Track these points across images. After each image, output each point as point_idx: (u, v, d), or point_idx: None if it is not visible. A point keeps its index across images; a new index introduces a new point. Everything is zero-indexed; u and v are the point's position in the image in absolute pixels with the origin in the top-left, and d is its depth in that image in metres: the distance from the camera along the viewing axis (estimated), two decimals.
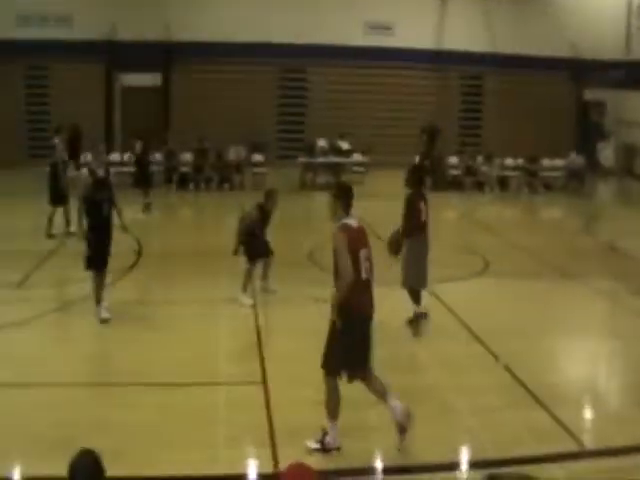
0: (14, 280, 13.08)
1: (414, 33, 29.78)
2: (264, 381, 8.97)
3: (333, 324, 7.29)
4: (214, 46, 28.29)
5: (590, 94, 31.03)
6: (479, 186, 25.85)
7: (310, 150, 25.88)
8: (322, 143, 26.26)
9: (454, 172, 26.49)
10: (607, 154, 28.08)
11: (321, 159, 25.73)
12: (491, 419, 8.18)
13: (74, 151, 18.75)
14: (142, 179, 20.86)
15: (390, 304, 11.41)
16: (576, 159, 26.75)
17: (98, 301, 11.27)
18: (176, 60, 28.74)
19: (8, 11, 27.61)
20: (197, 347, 10.25)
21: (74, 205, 12.79)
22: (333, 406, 7.36)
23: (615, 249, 16.82)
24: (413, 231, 11.03)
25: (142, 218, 19.76)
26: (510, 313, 12.08)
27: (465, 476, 7.17)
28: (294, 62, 29.68)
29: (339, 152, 26.13)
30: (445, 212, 23.07)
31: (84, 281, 11.65)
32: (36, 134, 27.76)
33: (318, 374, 7.47)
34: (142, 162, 21.32)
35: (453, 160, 26.81)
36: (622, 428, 7.97)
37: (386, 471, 7.19)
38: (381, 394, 7.50)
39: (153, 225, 20.13)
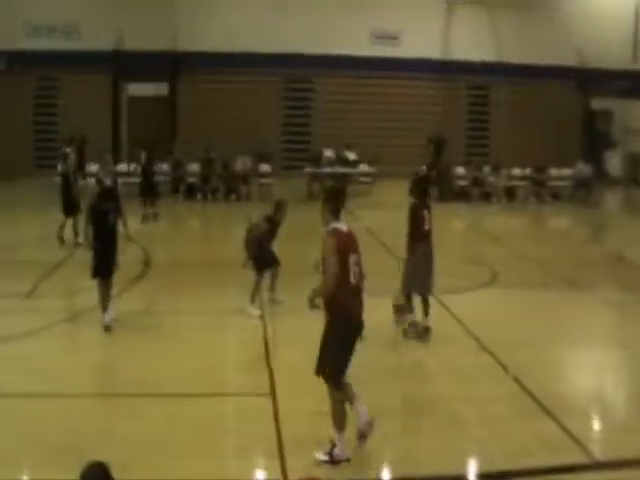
0: (23, 290, 13.12)
1: (420, 43, 29.86)
2: (272, 392, 8.95)
3: (327, 329, 7.30)
4: (220, 56, 28.41)
5: (597, 103, 31.05)
6: (486, 197, 25.84)
7: (316, 160, 25.93)
8: (329, 153, 26.31)
9: (461, 183, 26.49)
10: (614, 163, 28.17)
11: (328, 169, 25.75)
12: (499, 429, 8.14)
13: (80, 161, 18.86)
14: (147, 189, 20.90)
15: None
16: (583, 168, 26.72)
17: (104, 309, 11.33)
18: (182, 70, 28.86)
19: (16, 22, 27.77)
20: (205, 358, 10.24)
21: (83, 216, 12.84)
22: (340, 418, 7.33)
23: (622, 258, 16.79)
24: (417, 239, 11.11)
25: (149, 228, 19.83)
26: (518, 323, 12.05)
27: None
28: (300, 72, 29.77)
29: (346, 162, 26.16)
30: (452, 223, 23.08)
31: (92, 291, 11.66)
32: (43, 144, 27.92)
33: (326, 385, 7.47)
34: (147, 172, 21.37)
35: (460, 171, 26.81)
36: (630, 438, 7.93)
37: None
38: (339, 422, 7.38)
39: (161, 235, 20.19)
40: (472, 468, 7.38)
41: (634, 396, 9.53)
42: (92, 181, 12.23)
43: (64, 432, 7.83)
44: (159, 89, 29.04)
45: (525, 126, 29.36)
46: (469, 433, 8.14)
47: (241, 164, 25.33)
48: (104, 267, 11.35)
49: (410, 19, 29.80)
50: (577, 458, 7.48)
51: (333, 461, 7.26)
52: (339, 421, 7.34)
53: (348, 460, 7.29)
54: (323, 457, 7.29)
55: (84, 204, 12.98)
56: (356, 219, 22.26)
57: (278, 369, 9.72)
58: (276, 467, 7.23)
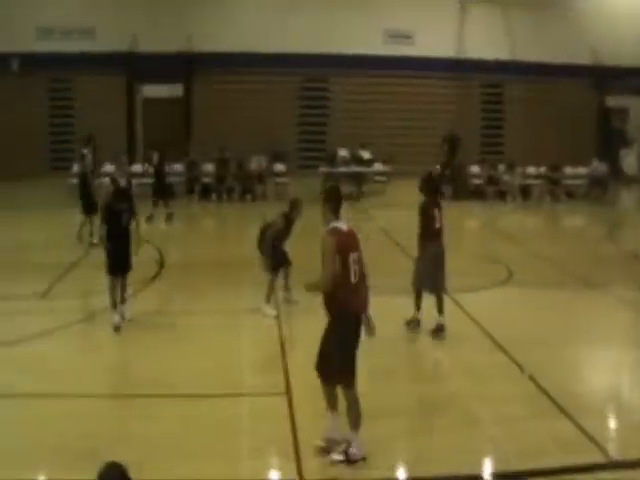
0: (38, 291, 13.18)
1: (434, 42, 29.80)
2: (288, 392, 8.95)
3: (328, 328, 7.35)
4: (235, 57, 28.44)
5: (612, 101, 30.90)
6: (501, 195, 25.74)
7: (331, 160, 25.91)
8: (343, 153, 26.29)
9: (476, 181, 26.43)
10: (630, 161, 28.02)
11: (342, 169, 25.75)
12: (515, 429, 8.11)
13: (94, 161, 18.93)
14: (159, 190, 20.93)
15: (410, 313, 11.44)
16: (599, 167, 26.58)
17: (114, 306, 11.45)
18: (197, 71, 28.90)
19: (31, 25, 27.89)
20: (220, 358, 10.26)
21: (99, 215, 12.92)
22: (355, 416, 7.33)
23: (638, 257, 16.70)
24: (427, 237, 11.18)
25: (165, 229, 19.91)
26: (533, 322, 12.00)
27: None
28: (315, 72, 29.76)
29: (360, 162, 26.13)
30: (467, 221, 23.04)
31: (107, 292, 11.72)
32: (58, 146, 28.06)
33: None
34: (159, 173, 21.39)
35: (475, 169, 26.74)
36: None
37: None
38: (354, 419, 7.38)
39: (175, 235, 20.24)
40: (487, 467, 7.35)
41: None
42: (106, 180, 12.30)
43: (80, 433, 7.85)
44: (174, 90, 29.10)
45: (540, 124, 29.27)
46: (484, 432, 8.12)
47: (256, 164, 25.34)
48: (118, 266, 11.48)
49: (424, 18, 29.76)
50: (593, 457, 7.45)
51: (349, 460, 7.26)
52: (354, 420, 7.34)
53: (364, 459, 7.29)
54: (338, 457, 7.29)
55: (99, 203, 13.05)
56: (370, 218, 22.34)
57: (293, 369, 9.71)
58: (292, 468, 7.24)
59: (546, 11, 30.10)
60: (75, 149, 23.60)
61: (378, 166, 26.50)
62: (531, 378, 9.48)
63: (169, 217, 20.47)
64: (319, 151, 28.37)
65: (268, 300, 12.14)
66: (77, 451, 7.39)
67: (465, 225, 22.60)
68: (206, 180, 25.19)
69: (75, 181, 20.80)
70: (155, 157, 21.86)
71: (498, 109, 31.39)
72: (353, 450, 7.28)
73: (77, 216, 17.75)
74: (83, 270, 14.84)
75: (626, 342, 11.55)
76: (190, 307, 12.97)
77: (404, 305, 11.54)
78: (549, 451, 7.57)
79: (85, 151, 17.73)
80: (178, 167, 25.01)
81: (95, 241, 15.54)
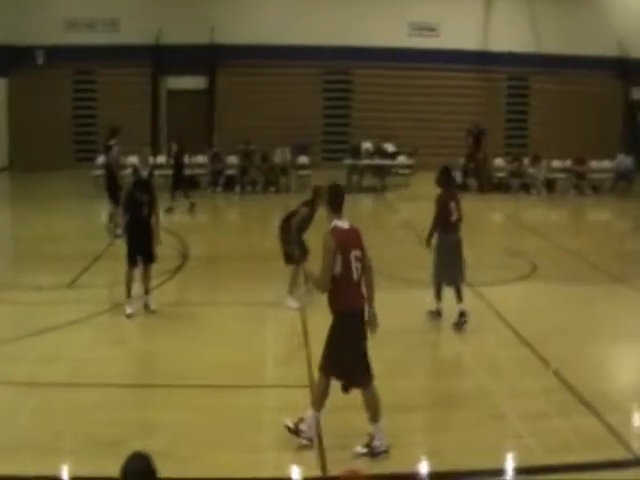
0: (64, 281, 13.29)
1: (459, 34, 29.64)
2: (311, 384, 8.94)
3: (332, 327, 7.45)
4: (259, 49, 28.42)
5: (638, 93, 30.60)
6: (526, 188, 25.59)
7: (355, 152, 25.86)
8: (367, 145, 26.22)
9: (500, 174, 26.30)
10: None
11: (366, 161, 25.70)
12: (540, 424, 8.06)
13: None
14: (178, 181, 20.96)
15: (433, 305, 11.43)
16: (624, 160, 26.30)
17: (128, 295, 11.58)
18: (221, 63, 28.92)
19: (56, 17, 28.03)
20: (244, 350, 10.28)
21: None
22: (374, 409, 7.36)
23: None
24: (443, 230, 11.25)
25: (188, 220, 19.97)
26: (558, 317, 11.94)
27: None
28: (339, 64, 29.69)
29: (384, 154, 26.05)
30: (492, 214, 22.94)
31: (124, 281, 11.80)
32: (83, 138, 28.20)
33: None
34: (178, 164, 21.43)
35: (499, 162, 26.61)
36: None
37: (433, 477, 7.14)
38: (373, 412, 7.38)
39: (199, 227, 20.29)
40: (511, 462, 7.32)
41: None
42: (129, 171, 12.38)
43: (107, 422, 7.93)
44: (198, 82, 29.16)
45: (565, 117, 29.06)
46: (508, 427, 8.09)
47: (280, 156, 25.31)
48: (137, 256, 11.61)
49: (449, 10, 29.60)
50: (618, 454, 7.41)
51: (373, 453, 7.27)
52: (374, 413, 7.35)
53: (386, 451, 7.28)
54: (362, 450, 7.31)
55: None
56: (395, 211, 22.33)
57: (316, 361, 9.68)
58: (315, 459, 7.26)
59: (571, 3, 29.85)
60: (99, 141, 23.72)
61: (402, 159, 26.41)
62: (556, 373, 9.43)
63: (191, 207, 20.50)
64: (343, 143, 28.33)
65: (291, 292, 12.14)
66: (105, 440, 7.46)
67: (489, 218, 22.50)
68: (230, 172, 25.20)
69: (100, 172, 20.90)
70: (174, 148, 21.94)
71: (523, 102, 31.18)
72: (376, 443, 7.30)
73: (103, 207, 17.83)
74: (108, 261, 14.91)
75: None
76: (214, 299, 13.03)
77: (428, 297, 11.54)
78: (575, 447, 7.54)
79: (112, 142, 17.77)
80: (202, 159, 25.06)
81: (119, 232, 15.62)
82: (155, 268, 12.04)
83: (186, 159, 22.34)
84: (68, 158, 27.75)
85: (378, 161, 25.77)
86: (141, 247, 11.62)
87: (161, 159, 24.43)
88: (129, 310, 11.54)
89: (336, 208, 7.52)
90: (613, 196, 25.28)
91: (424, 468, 7.26)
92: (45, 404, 8.44)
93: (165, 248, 12.41)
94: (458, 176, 23.96)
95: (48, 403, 8.46)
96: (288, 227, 12.19)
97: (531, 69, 30.22)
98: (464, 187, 24.12)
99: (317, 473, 7.06)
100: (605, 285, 14.16)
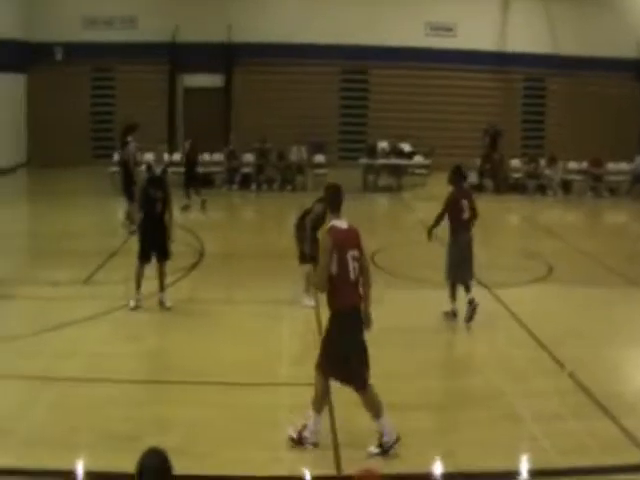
0: (80, 277, 13.35)
1: (476, 34, 29.53)
2: None
3: (328, 325, 7.43)
4: (276, 47, 28.43)
5: None
6: (542, 190, 25.49)
7: (371, 152, 25.85)
8: (383, 145, 26.20)
9: (516, 175, 26.22)
10: None
11: (383, 161, 25.68)
12: (555, 427, 8.04)
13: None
14: (190, 179, 20.98)
15: (448, 305, 11.44)
16: None
17: (137, 289, 11.72)
18: (238, 61, 28.94)
19: (75, 14, 28.12)
20: (259, 347, 10.30)
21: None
22: (376, 407, 7.37)
23: None
24: (455, 229, 11.37)
25: (204, 218, 20.01)
26: (574, 319, 11.91)
27: None
28: (355, 63, 29.66)
29: (401, 154, 26.03)
30: (507, 215, 22.89)
31: (147, 279, 11.84)
32: (100, 134, 28.30)
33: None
34: (191, 161, 21.45)
35: (516, 163, 26.53)
36: None
37: (446, 477, 7.13)
38: (375, 410, 7.41)
39: (214, 225, 20.33)
40: (525, 464, 7.30)
41: None
42: (143, 168, 12.43)
43: (122, 417, 7.97)
44: (214, 80, 29.20)
45: (582, 119, 28.93)
46: (522, 428, 8.07)
47: (296, 155, 25.32)
48: (149, 252, 11.72)
49: (466, 11, 29.48)
50: (634, 458, 7.38)
51: (385, 450, 7.28)
52: (376, 410, 7.37)
53: (398, 440, 7.28)
54: (375, 450, 7.32)
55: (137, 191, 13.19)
56: (411, 210, 22.28)
57: None
58: (330, 457, 7.27)
59: (589, 4, 29.69)
60: (116, 137, 23.78)
61: (419, 159, 26.37)
62: (571, 375, 9.41)
63: (202, 204, 20.49)
64: (359, 142, 28.31)
65: (307, 290, 12.14)
66: (121, 435, 7.50)
67: (505, 219, 22.44)
68: (246, 170, 25.23)
69: (116, 169, 20.97)
70: (187, 145, 21.97)
71: (540, 103, 31.06)
72: (385, 438, 7.31)
73: (119, 204, 17.89)
74: (124, 257, 14.92)
75: None
76: (229, 296, 13.07)
77: (443, 297, 11.55)
78: (589, 450, 7.51)
79: (129, 139, 17.82)
80: (218, 157, 25.11)
81: (134, 228, 15.69)
82: (171, 265, 12.09)
83: (200, 157, 22.36)
84: (86, 155, 27.85)
85: (394, 161, 25.74)
86: (155, 243, 11.69)
87: (177, 156, 24.49)
88: (132, 304, 11.67)
89: (335, 208, 7.59)
90: (630, 198, 25.13)
91: (437, 469, 7.26)
92: (61, 399, 8.49)
93: (181, 245, 12.47)
94: (474, 177, 23.95)
95: (64, 398, 8.51)
96: (303, 225, 12.18)
97: (548, 70, 30.08)
98: (480, 188, 24.08)
99: (332, 472, 7.07)
100: (621, 288, 14.12)
